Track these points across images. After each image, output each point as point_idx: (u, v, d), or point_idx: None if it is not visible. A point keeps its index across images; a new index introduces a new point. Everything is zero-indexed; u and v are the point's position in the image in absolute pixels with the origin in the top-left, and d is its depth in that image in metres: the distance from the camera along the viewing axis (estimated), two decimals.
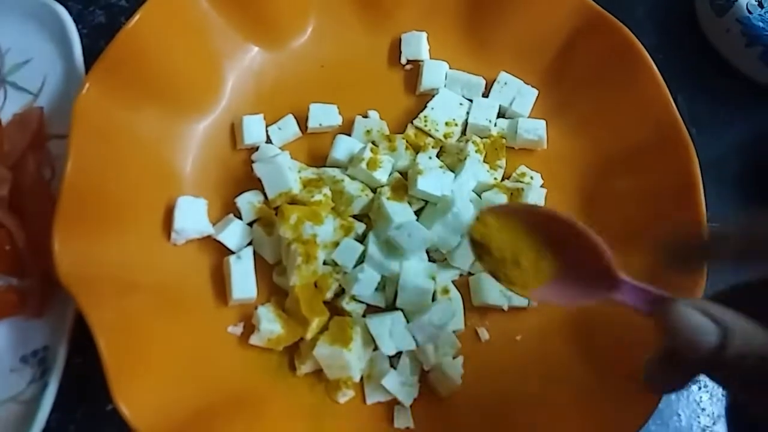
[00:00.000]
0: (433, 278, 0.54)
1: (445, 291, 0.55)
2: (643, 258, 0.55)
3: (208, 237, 0.56)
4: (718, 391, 0.58)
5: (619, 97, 0.59)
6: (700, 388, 0.58)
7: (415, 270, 0.54)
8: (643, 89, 0.58)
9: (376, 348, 0.53)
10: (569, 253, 0.42)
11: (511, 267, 0.43)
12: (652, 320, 0.38)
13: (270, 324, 0.53)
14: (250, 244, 0.56)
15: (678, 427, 0.57)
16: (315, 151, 0.61)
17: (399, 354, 0.53)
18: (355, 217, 0.57)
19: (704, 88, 0.66)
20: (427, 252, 0.56)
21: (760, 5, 0.61)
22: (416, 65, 0.63)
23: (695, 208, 0.54)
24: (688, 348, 0.34)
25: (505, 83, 0.62)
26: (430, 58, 0.63)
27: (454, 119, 0.60)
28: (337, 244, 0.54)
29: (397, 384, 0.53)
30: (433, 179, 0.55)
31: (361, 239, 0.56)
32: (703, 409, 0.57)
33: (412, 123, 0.60)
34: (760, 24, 0.61)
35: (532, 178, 0.60)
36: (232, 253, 0.55)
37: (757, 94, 0.66)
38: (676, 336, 0.34)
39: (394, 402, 0.53)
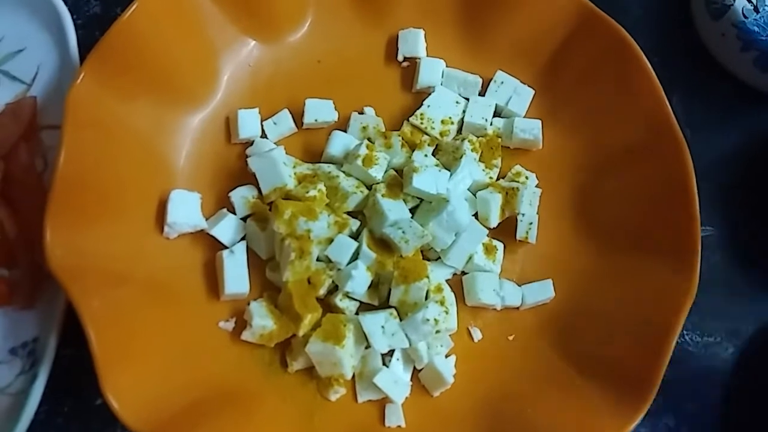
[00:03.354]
0: (427, 277, 0.54)
1: (439, 290, 0.55)
2: (638, 257, 0.56)
3: (201, 231, 0.55)
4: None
5: (615, 97, 0.59)
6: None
7: None
8: (639, 90, 0.58)
9: (368, 346, 0.53)
10: None
11: None
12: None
13: (262, 320, 0.52)
14: (243, 239, 0.56)
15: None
16: (310, 147, 0.60)
17: (391, 352, 0.53)
18: (349, 213, 0.56)
19: (699, 92, 0.66)
20: (421, 250, 0.56)
21: (756, 10, 0.61)
22: (413, 62, 0.63)
23: (689, 208, 0.54)
24: None
25: (502, 82, 0.61)
26: (427, 56, 0.62)
27: (450, 117, 0.60)
28: (331, 240, 0.54)
29: (389, 382, 0.52)
30: (428, 177, 0.55)
31: (356, 236, 0.55)
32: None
33: (408, 120, 0.60)
34: (756, 29, 0.61)
35: (527, 177, 0.60)
36: (225, 247, 0.55)
37: (751, 98, 0.66)
38: None
39: (386, 400, 0.53)
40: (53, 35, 0.60)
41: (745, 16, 0.61)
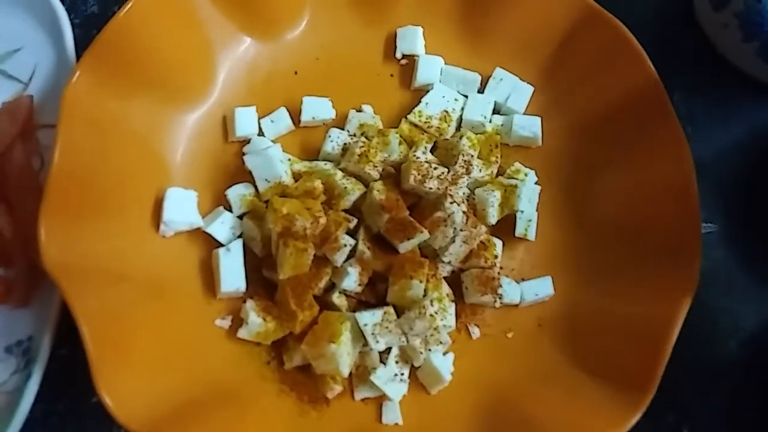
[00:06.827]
0: (425, 274, 0.53)
1: (436, 287, 0.54)
2: (638, 254, 0.55)
3: (198, 229, 0.55)
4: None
5: (615, 93, 0.58)
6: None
7: None
8: (639, 86, 0.57)
9: (365, 343, 0.52)
10: None
11: None
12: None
13: (258, 318, 0.52)
14: (239, 236, 0.56)
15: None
16: (307, 145, 0.60)
17: (389, 350, 0.53)
18: (346, 211, 0.56)
19: (701, 85, 0.65)
20: (419, 247, 0.55)
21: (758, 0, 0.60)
22: (411, 60, 0.62)
23: (689, 204, 0.53)
24: None
25: (501, 79, 0.61)
26: (426, 53, 0.62)
27: (449, 114, 0.60)
28: (327, 237, 0.53)
29: (386, 380, 0.52)
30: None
31: (353, 234, 0.55)
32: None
33: (406, 118, 0.60)
34: (758, 18, 0.60)
35: (526, 174, 0.59)
36: (222, 245, 0.55)
37: (754, 91, 0.65)
38: None
39: (383, 398, 0.53)
40: (50, 34, 0.60)
41: (747, 6, 0.61)
